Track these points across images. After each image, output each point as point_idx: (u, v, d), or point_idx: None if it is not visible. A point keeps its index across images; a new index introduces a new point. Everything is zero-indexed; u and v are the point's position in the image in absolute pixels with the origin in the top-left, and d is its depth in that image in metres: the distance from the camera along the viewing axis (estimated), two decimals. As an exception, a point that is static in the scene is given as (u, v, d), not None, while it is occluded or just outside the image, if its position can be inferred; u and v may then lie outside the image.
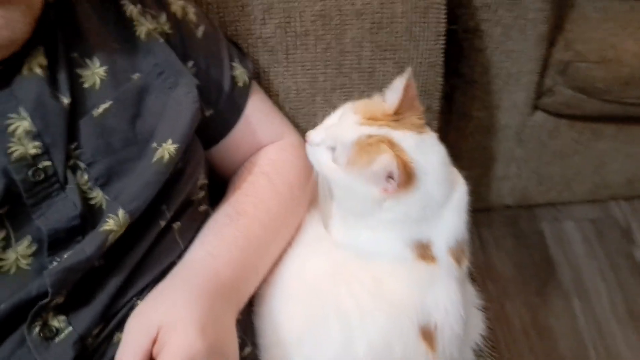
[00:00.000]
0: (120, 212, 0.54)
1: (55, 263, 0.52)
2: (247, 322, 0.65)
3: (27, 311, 0.50)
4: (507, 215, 1.55)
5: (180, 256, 0.61)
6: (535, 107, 1.27)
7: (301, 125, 0.88)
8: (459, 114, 1.26)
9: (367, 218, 0.65)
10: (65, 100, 0.55)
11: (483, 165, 1.39)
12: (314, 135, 0.66)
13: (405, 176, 0.60)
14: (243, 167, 0.75)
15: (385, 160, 0.59)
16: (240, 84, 0.74)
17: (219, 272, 0.58)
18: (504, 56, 1.13)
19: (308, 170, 0.69)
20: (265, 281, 0.68)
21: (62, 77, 0.56)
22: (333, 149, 0.64)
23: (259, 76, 0.84)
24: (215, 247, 0.61)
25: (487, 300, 0.76)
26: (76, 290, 0.53)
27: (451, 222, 0.66)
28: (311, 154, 0.67)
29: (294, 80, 0.85)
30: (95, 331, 0.53)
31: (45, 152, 0.53)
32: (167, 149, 0.59)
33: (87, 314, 0.52)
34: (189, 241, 0.63)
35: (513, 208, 1.54)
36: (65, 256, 0.52)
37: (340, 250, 0.68)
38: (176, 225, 0.62)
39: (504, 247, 1.50)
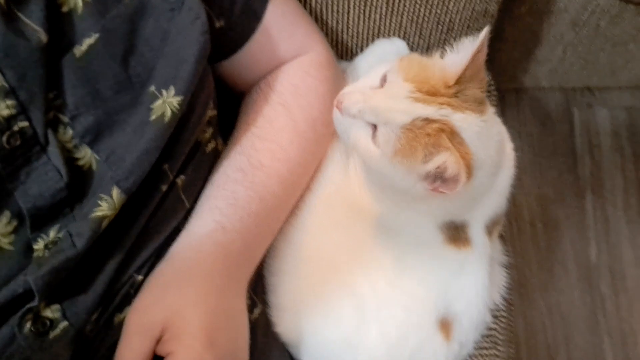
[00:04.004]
0: (115, 192, 0.46)
1: (40, 241, 0.45)
2: (257, 278, 0.60)
3: (13, 308, 0.44)
4: (537, 96, 1.42)
5: (185, 217, 0.54)
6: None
7: (330, 24, 0.72)
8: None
9: (400, 201, 0.58)
10: (42, 36, 0.44)
11: (526, 49, 1.23)
12: (348, 102, 0.52)
13: (466, 177, 0.49)
14: (259, 90, 0.64)
15: (447, 162, 0.47)
16: None
17: (228, 248, 0.52)
18: None
19: (334, 97, 0.56)
20: (280, 231, 0.61)
21: (35, 6, 0.44)
22: (374, 126, 0.52)
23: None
24: (226, 215, 0.53)
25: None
26: (69, 277, 0.46)
27: (492, 204, 0.58)
28: (341, 126, 0.55)
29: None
30: (94, 316, 0.47)
31: (22, 112, 0.44)
32: (168, 103, 0.48)
33: (84, 302, 0.46)
34: (194, 197, 0.55)
35: (545, 89, 1.41)
36: (51, 249, 0.44)
37: (362, 222, 0.60)
38: (180, 180, 0.54)
39: (529, 134, 1.41)
